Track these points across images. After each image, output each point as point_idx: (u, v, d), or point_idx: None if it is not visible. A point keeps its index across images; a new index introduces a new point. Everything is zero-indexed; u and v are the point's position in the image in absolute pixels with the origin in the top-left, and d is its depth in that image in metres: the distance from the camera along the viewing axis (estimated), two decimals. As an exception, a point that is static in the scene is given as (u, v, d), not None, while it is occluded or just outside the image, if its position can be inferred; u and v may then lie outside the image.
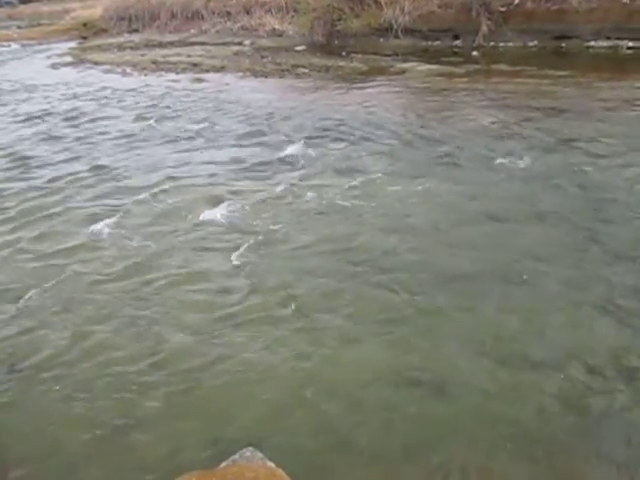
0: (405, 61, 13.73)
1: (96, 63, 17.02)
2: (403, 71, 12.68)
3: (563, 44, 14.16)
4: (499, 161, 6.68)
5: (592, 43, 13.95)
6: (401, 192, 5.89)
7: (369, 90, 11.07)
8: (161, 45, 19.68)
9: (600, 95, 9.43)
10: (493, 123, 8.21)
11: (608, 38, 13.94)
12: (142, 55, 17.66)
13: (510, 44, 14.62)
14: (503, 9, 14.85)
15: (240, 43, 18.68)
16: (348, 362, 3.59)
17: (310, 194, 5.96)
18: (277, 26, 19.72)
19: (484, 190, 5.91)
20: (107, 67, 16.18)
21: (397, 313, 4.01)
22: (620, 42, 13.72)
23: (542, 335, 3.69)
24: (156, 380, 3.51)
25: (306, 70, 13.51)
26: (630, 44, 13.58)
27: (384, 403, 3.25)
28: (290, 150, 7.38)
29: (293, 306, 4.11)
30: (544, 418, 3.07)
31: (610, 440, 2.93)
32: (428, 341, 3.71)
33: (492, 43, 14.79)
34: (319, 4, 17.80)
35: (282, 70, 13.70)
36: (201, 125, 9.12)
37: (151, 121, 9.59)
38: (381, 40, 16.49)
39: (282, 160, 7.09)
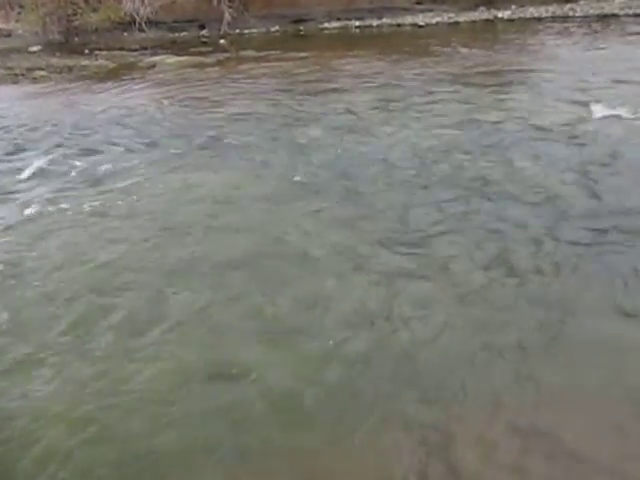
0: (154, 55, 13.37)
1: None
2: (153, 65, 12.35)
3: (301, 27, 15.22)
4: (258, 144, 6.97)
5: (326, 25, 15.26)
6: (164, 189, 5.78)
7: (119, 89, 10.55)
8: None
9: (336, 71, 10.41)
10: (247, 108, 8.50)
11: (338, 19, 15.39)
12: None
13: (254, 30, 15.21)
14: (243, -4, 15.35)
15: (-43, 48, 16.18)
16: (134, 376, 3.46)
17: (64, 206, 5.53)
18: (1, 25, 17.51)
19: (249, 174, 6.12)
20: None
21: (178, 313, 3.97)
22: (349, 22, 15.26)
23: (318, 306, 3.92)
24: None
25: (44, 73, 12.30)
26: (357, 23, 15.19)
27: (180, 409, 3.21)
28: (34, 166, 6.66)
29: (57, 331, 3.81)
30: (325, 384, 3.32)
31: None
32: (214, 335, 3.73)
33: (237, 30, 15.22)
34: (49, -1, 16.26)
35: (15, 75, 12.25)
36: None
37: None
38: (125, 34, 15.80)
39: (24, 179, 6.38)
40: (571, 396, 3.10)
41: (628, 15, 13.67)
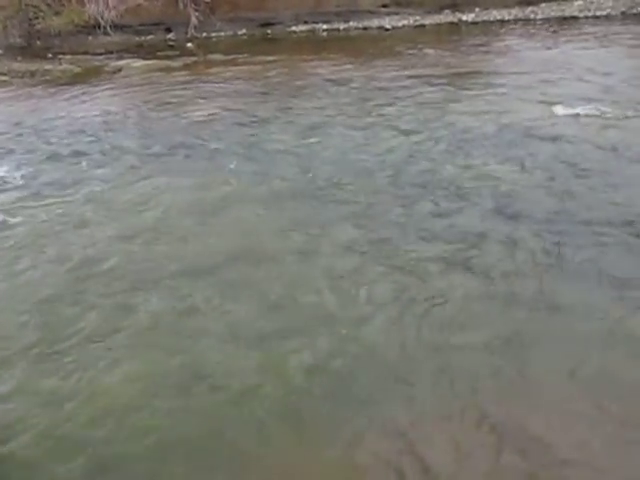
0: (120, 59, 13.18)
1: None
2: (119, 69, 12.17)
3: (269, 31, 15.20)
4: (226, 149, 6.94)
5: (293, 28, 15.27)
6: (132, 195, 5.72)
7: (84, 94, 10.36)
8: None
9: (306, 74, 10.43)
10: (215, 113, 8.45)
11: (306, 22, 15.41)
12: None
13: (222, 34, 15.13)
14: None
15: None
16: (102, 384, 3.42)
17: (27, 213, 5.42)
18: (-40, 29, 17.01)
19: (218, 179, 6.09)
20: None
21: (147, 319, 3.93)
22: (316, 25, 15.30)
23: (287, 310, 3.93)
24: None
25: (6, 77, 11.99)
26: (324, 27, 15.25)
27: (148, 415, 3.18)
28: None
29: (24, 339, 3.75)
30: (296, 386, 3.33)
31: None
32: (184, 341, 3.70)
33: (205, 34, 15.11)
34: (8, 2, 15.85)
35: (-24, 80, 11.95)
36: None
37: None
38: (90, 38, 15.52)
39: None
40: (538, 390, 3.17)
41: (587, 17, 14.08)
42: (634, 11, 13.98)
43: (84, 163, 6.75)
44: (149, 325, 3.87)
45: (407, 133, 7.01)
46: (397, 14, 15.33)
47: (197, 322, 3.88)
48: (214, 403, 3.24)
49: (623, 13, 13.98)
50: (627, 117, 6.96)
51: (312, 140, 7.00)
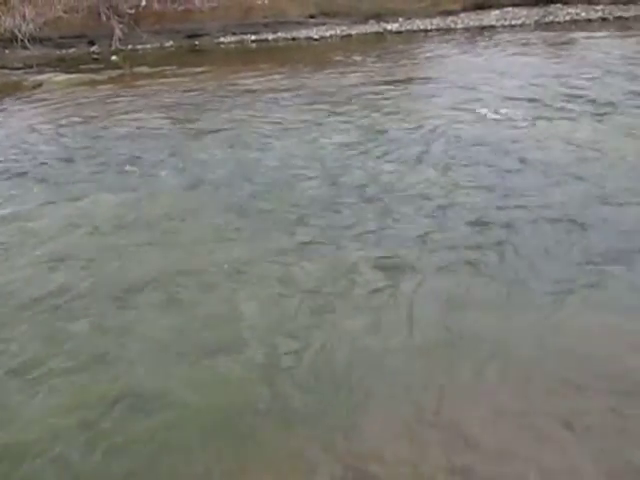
0: (40, 73, 12.67)
1: None
2: (40, 84, 11.69)
3: (197, 42, 15.06)
4: (153, 163, 6.81)
5: (221, 39, 15.20)
6: (54, 217, 5.52)
7: (2, 110, 9.90)
8: None
9: (235, 85, 10.41)
10: (141, 127, 8.28)
11: (234, 34, 15.37)
12: None
13: (148, 46, 14.85)
14: (132, 11, 14.90)
15: None
16: (39, 411, 3.27)
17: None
18: None
19: (144, 194, 5.98)
20: None
21: (81, 343, 3.80)
22: (245, 37, 15.29)
23: (228, 323, 3.91)
24: None
25: None
26: (253, 37, 15.27)
27: (89, 442, 3.07)
28: None
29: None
30: (233, 404, 3.31)
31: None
32: (124, 363, 3.60)
33: (130, 46, 14.77)
34: None
35: None
36: None
37: None
38: (7, 52, 14.83)
39: None
40: (467, 390, 3.28)
41: (504, 26, 14.81)
42: (546, 20, 14.88)
43: (1, 183, 6.45)
44: (85, 348, 3.75)
45: (337, 140, 7.13)
46: (324, 24, 15.57)
47: (130, 344, 3.78)
48: (149, 427, 3.15)
49: (536, 22, 14.82)
50: (540, 117, 7.39)
51: (242, 151, 7.00)
